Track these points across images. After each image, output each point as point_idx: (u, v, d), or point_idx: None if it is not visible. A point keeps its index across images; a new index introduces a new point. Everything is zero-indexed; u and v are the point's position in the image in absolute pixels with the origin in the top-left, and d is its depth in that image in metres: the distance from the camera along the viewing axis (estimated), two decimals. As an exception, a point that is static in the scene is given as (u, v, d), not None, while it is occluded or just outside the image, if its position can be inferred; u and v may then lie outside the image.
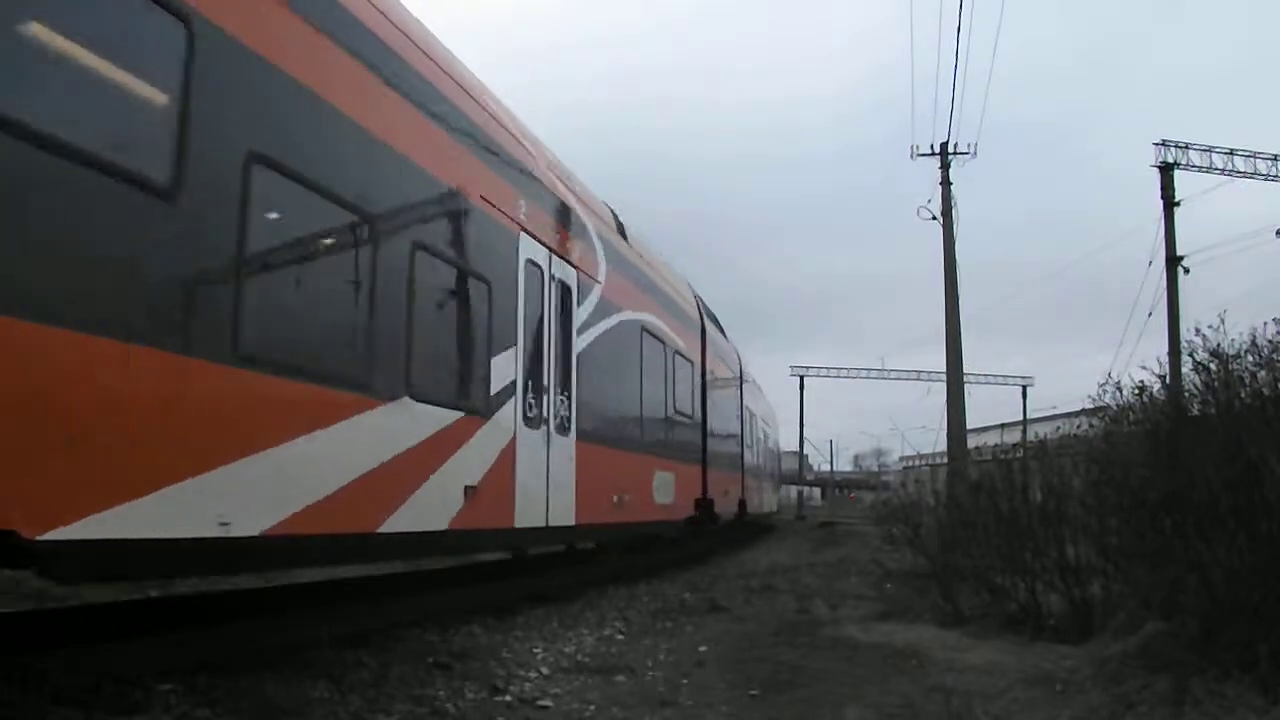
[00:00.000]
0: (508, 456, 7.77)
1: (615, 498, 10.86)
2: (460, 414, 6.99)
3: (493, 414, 7.54)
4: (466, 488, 6.99)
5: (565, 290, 9.37)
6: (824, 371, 55.98)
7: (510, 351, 7.97)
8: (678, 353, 14.28)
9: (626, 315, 11.49)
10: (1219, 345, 5.98)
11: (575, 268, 9.65)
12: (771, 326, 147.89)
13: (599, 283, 10.40)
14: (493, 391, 7.55)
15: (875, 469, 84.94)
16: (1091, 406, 8.79)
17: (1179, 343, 14.91)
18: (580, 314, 9.74)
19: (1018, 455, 10.48)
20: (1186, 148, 23.87)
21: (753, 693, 5.54)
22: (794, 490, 60.92)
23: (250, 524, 4.76)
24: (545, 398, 8.70)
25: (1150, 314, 22.43)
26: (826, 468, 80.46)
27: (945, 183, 23.03)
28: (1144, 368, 7.46)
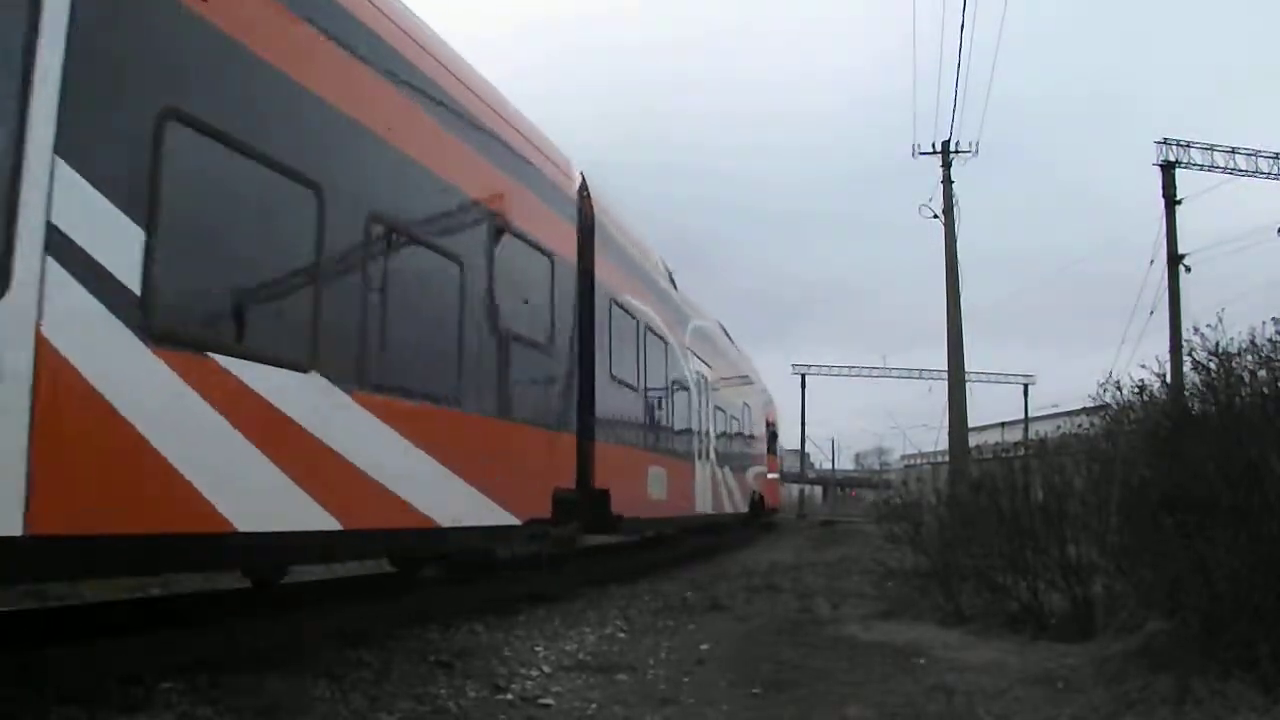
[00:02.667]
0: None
1: None
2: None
3: None
4: None
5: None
6: (825, 370, 55.97)
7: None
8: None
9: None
10: (1219, 344, 5.98)
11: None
12: (773, 325, 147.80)
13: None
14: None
15: (877, 467, 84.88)
16: (1092, 405, 8.80)
17: (1180, 341, 14.95)
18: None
19: (1019, 454, 10.49)
20: (1188, 146, 23.86)
21: (754, 691, 5.54)
22: (795, 489, 60.89)
23: None
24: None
25: (1152, 312, 22.43)
26: (828, 466, 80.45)
27: (947, 181, 23.03)
28: (1144, 366, 7.48)
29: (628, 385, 11.42)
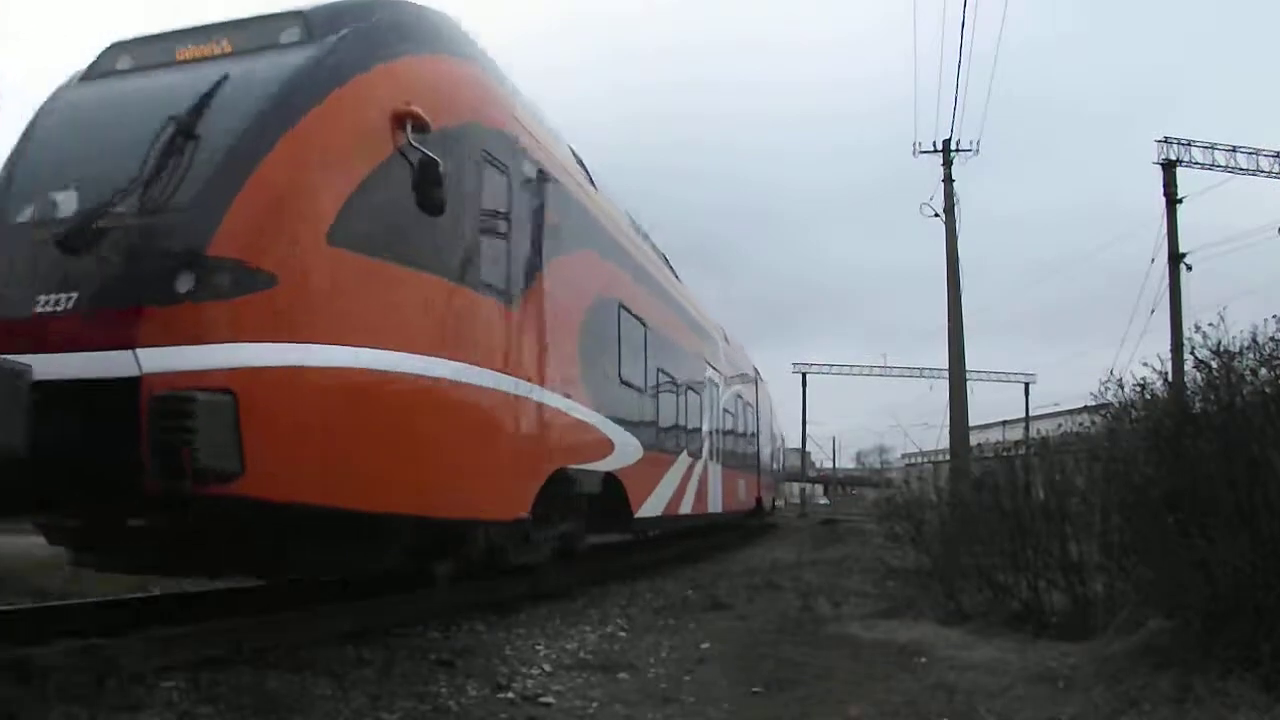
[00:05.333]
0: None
1: None
2: None
3: None
4: None
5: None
6: (826, 369, 55.92)
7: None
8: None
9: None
10: (1220, 342, 5.97)
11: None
12: (775, 324, 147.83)
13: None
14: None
15: (878, 466, 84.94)
16: (1094, 404, 8.78)
17: (1181, 340, 14.93)
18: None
19: (1020, 452, 10.48)
20: (1189, 144, 23.84)
21: (755, 690, 5.54)
22: (796, 487, 61.01)
23: None
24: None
25: (1153, 311, 22.43)
26: (829, 464, 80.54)
27: (948, 180, 23.02)
28: (1146, 365, 7.45)
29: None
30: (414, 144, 5.74)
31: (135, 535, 5.52)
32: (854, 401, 77.15)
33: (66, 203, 5.39)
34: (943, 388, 26.63)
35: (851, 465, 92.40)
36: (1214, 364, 5.99)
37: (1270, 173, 24.14)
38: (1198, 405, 6.35)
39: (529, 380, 7.49)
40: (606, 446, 9.79)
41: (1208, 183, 23.90)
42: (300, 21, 5.97)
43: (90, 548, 6.08)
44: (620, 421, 10.25)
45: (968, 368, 23.28)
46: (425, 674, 5.60)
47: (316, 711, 4.62)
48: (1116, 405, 7.80)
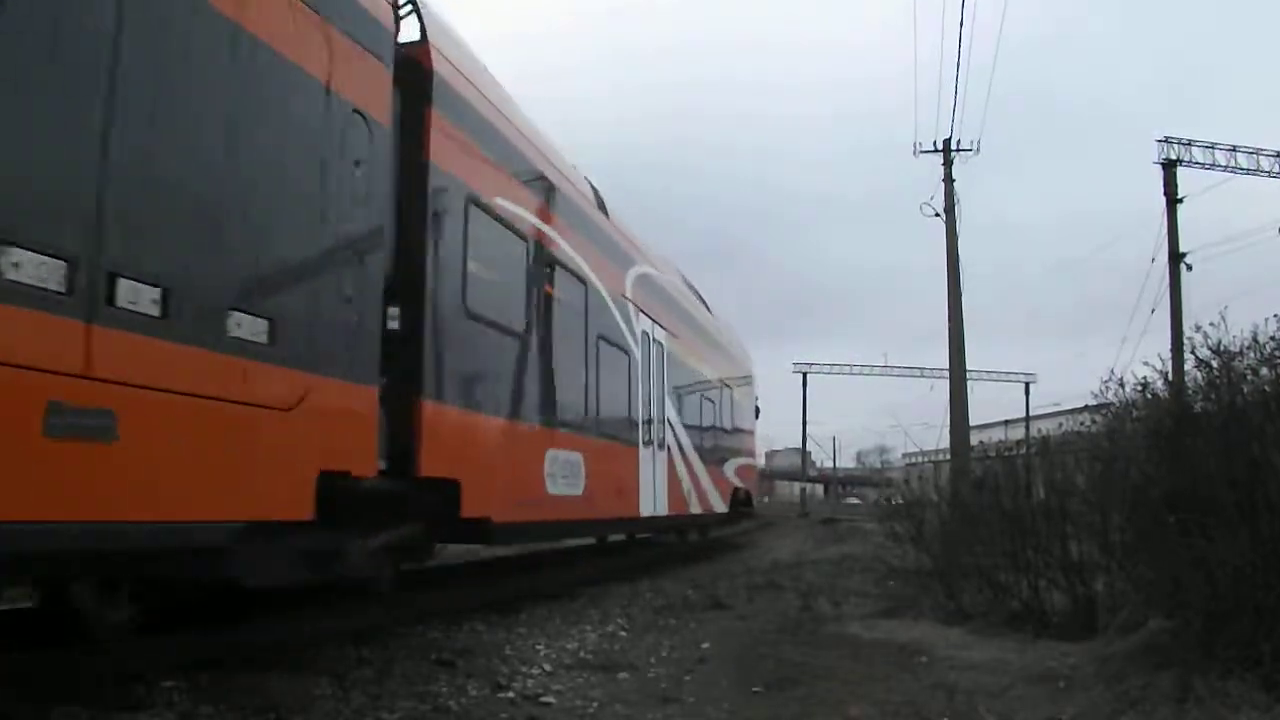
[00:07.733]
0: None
1: None
2: None
3: None
4: None
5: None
6: (827, 368, 55.85)
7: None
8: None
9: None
10: (1220, 342, 5.97)
11: None
12: (775, 323, 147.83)
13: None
14: None
15: (878, 466, 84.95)
16: (1094, 403, 8.79)
17: (1182, 339, 14.93)
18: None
19: (1021, 452, 10.49)
20: (1189, 144, 23.84)
21: (755, 690, 5.54)
22: (796, 487, 61.05)
23: None
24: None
25: (1154, 310, 22.44)
26: (829, 464, 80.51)
27: (948, 179, 23.03)
28: (1146, 364, 7.45)
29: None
30: None
31: None
32: (854, 401, 77.09)
33: None
34: (943, 388, 26.69)
35: (852, 465, 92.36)
36: (1214, 363, 6.00)
37: (1270, 173, 24.15)
38: (1198, 405, 6.36)
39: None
40: None
41: (1208, 183, 23.93)
42: None
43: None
44: None
45: (968, 367, 23.31)
46: (425, 674, 5.60)
47: (316, 711, 4.62)
48: (1117, 405, 7.81)
